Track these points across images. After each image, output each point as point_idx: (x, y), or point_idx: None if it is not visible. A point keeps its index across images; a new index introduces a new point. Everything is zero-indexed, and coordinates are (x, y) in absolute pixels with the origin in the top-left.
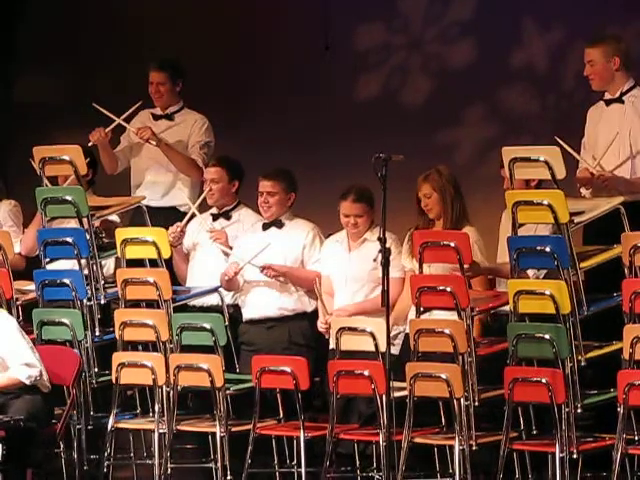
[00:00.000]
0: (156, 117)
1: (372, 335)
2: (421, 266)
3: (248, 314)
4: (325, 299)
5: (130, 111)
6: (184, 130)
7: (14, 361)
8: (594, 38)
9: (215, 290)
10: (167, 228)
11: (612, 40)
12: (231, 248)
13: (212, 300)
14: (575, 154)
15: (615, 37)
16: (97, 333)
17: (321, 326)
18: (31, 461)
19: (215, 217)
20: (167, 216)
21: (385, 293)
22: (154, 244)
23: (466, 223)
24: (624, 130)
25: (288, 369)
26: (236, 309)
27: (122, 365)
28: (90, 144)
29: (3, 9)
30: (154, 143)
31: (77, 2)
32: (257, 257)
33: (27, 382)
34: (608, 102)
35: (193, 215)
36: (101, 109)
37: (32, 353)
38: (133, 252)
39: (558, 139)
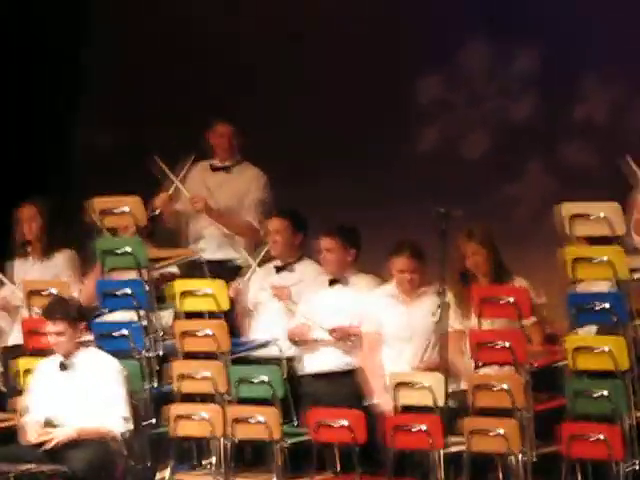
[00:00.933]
0: (214, 168)
1: (430, 389)
2: (480, 322)
3: (312, 367)
4: (373, 368)
5: (185, 169)
6: (242, 184)
7: (112, 411)
8: None
9: (272, 343)
10: (224, 279)
11: None
12: (295, 304)
13: (273, 351)
14: None
15: None
16: (155, 384)
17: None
18: None
19: (278, 269)
20: (222, 268)
21: (444, 348)
22: (213, 297)
23: (511, 276)
24: None
25: (346, 422)
26: (297, 361)
27: (179, 417)
28: (157, 212)
29: (65, 61)
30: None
31: (138, 55)
32: (325, 318)
33: (120, 436)
34: None
35: (254, 270)
36: (162, 165)
37: (129, 409)
38: (192, 304)
39: (629, 158)
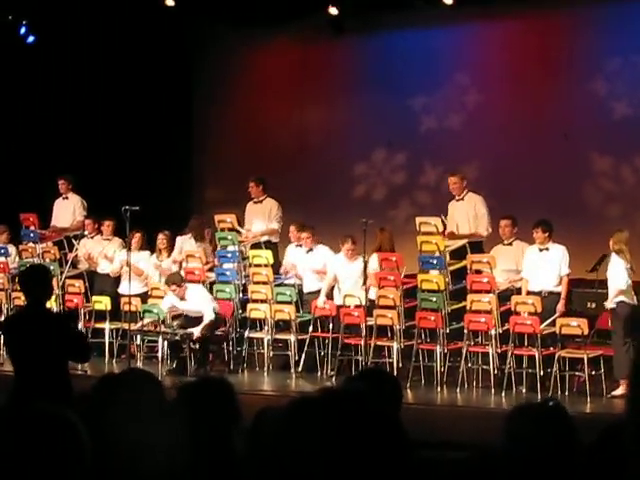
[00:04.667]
0: (255, 202)
1: (359, 298)
2: (381, 268)
3: (307, 289)
4: (327, 286)
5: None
6: (267, 208)
7: (208, 311)
8: None
9: (292, 278)
10: (269, 249)
11: None
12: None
13: (292, 281)
14: (447, 223)
15: None
16: (241, 295)
17: (325, 303)
18: (211, 351)
19: (296, 246)
20: (269, 244)
21: (365, 280)
22: (265, 257)
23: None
24: (465, 217)
25: (327, 306)
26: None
27: (252, 309)
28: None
29: (183, 139)
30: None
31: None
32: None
33: (212, 318)
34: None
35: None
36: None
37: (213, 305)
38: (257, 260)
39: (443, 217)
